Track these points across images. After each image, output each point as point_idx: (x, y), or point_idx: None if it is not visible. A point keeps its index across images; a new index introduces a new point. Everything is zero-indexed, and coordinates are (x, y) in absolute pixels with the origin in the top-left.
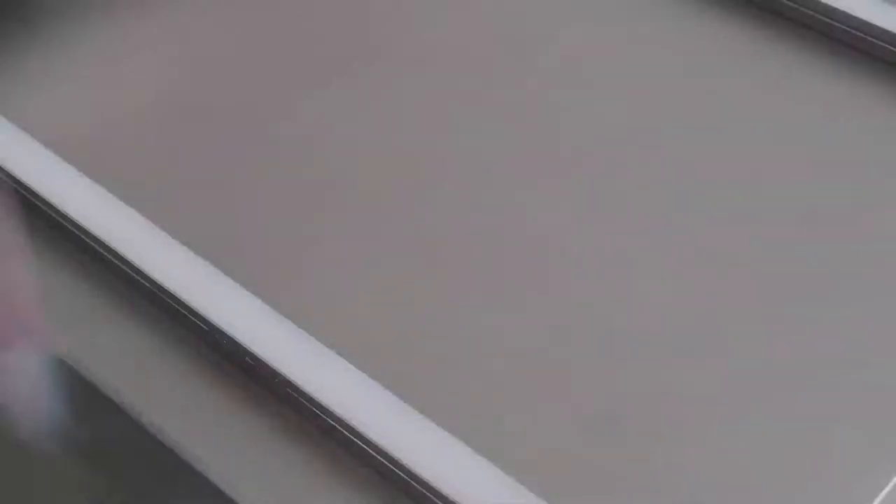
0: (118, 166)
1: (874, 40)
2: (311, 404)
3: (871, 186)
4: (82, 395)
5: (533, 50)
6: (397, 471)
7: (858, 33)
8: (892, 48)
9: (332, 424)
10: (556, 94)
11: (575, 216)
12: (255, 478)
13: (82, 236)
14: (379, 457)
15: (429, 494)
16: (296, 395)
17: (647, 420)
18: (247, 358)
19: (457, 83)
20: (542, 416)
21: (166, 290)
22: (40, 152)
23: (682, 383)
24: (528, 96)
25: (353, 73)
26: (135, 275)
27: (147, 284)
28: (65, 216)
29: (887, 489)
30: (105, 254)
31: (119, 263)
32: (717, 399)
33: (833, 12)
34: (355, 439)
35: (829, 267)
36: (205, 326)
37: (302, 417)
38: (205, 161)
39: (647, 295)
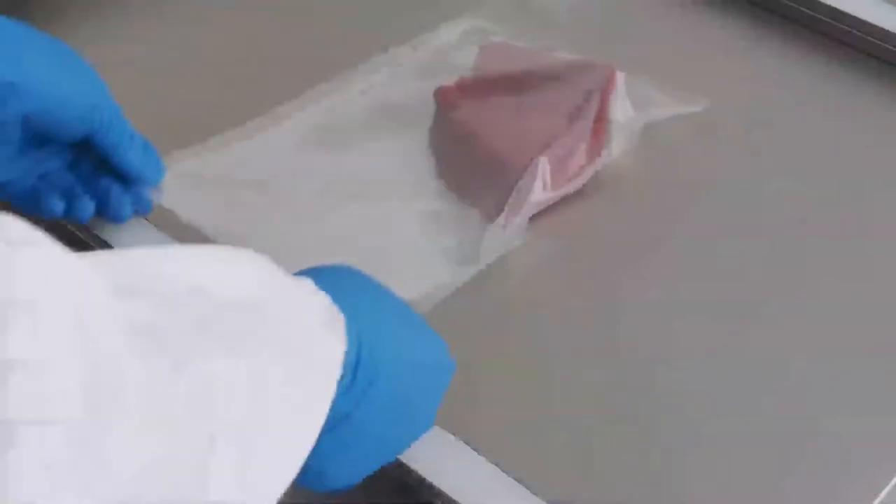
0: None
1: (874, 40)
2: None
3: (871, 185)
4: None
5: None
6: (397, 471)
7: (858, 33)
8: (892, 48)
9: None
10: None
11: None
12: None
13: (82, 236)
14: None
15: (429, 494)
16: None
17: (647, 421)
18: None
19: None
20: (543, 417)
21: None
22: None
23: (682, 384)
24: None
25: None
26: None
27: None
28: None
29: (887, 489)
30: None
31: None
32: (717, 400)
33: (833, 12)
34: None
35: (829, 266)
36: None
37: None
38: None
39: (643, 294)
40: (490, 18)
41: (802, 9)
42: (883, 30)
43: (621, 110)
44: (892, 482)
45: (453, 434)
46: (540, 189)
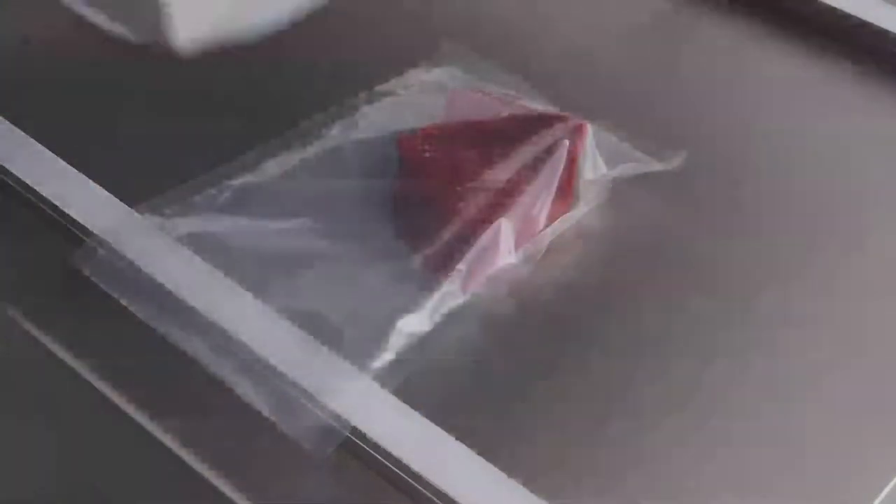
0: (119, 167)
1: (874, 40)
2: (312, 405)
3: (872, 187)
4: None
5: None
6: (397, 470)
7: (858, 33)
8: (892, 48)
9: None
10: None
11: None
12: (253, 478)
13: (81, 235)
14: (379, 457)
15: (429, 494)
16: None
17: (647, 420)
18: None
19: None
20: (545, 417)
21: (165, 289)
22: (40, 152)
23: (682, 383)
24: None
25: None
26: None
27: (149, 284)
28: (64, 214)
29: (887, 489)
30: (105, 252)
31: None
32: (717, 399)
33: (833, 12)
34: (355, 439)
35: (830, 266)
36: (203, 325)
37: None
38: (205, 161)
39: (643, 294)
40: (457, 63)
41: (802, 9)
42: (883, 30)
43: (592, 167)
44: (892, 482)
45: (457, 438)
46: (505, 254)
